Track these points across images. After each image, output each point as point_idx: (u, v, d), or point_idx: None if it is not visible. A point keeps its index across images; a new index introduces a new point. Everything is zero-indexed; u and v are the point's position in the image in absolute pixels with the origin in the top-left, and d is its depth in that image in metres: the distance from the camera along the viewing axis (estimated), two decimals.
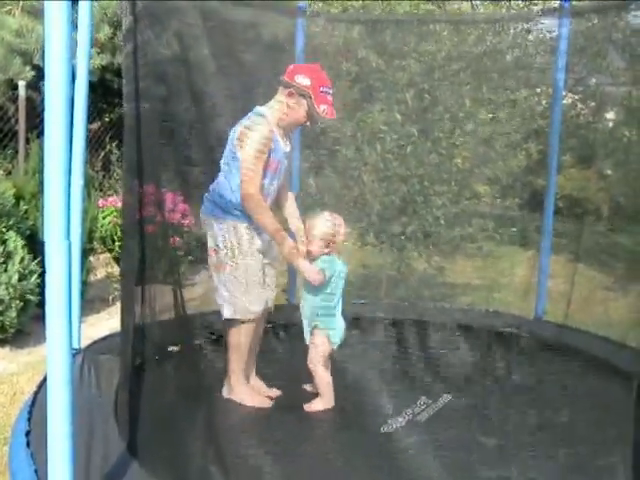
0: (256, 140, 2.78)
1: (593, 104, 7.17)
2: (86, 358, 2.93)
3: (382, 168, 4.65)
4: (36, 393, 2.58)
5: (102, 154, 7.41)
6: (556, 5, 4.34)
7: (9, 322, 4.11)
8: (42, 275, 4.15)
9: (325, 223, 2.89)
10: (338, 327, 2.93)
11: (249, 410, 2.90)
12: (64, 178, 1.61)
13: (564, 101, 4.69)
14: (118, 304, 4.14)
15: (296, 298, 3.03)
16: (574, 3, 4.12)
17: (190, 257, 5.09)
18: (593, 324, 3.94)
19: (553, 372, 3.27)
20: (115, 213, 5.68)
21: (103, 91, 6.89)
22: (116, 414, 2.47)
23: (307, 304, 2.94)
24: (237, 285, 2.87)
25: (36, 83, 6.19)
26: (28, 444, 2.18)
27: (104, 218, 5.71)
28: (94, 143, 7.22)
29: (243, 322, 2.91)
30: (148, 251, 2.51)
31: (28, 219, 4.56)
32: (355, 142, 4.71)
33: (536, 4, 7.65)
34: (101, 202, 5.79)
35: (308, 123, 2.99)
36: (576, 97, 7.07)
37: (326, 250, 2.88)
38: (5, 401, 3.42)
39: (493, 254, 5.22)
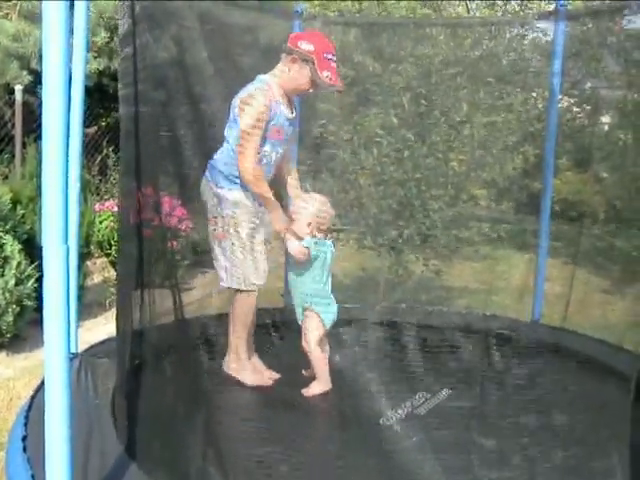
0: (254, 111, 2.79)
1: (589, 108, 7.20)
2: (83, 362, 2.92)
3: (379, 172, 4.66)
4: (33, 398, 2.57)
5: (99, 158, 7.40)
6: (552, 9, 4.36)
7: (6, 327, 4.10)
8: (39, 280, 4.15)
9: (315, 204, 2.92)
10: (329, 308, 2.94)
11: (247, 406, 2.90)
12: (62, 182, 1.60)
13: (560, 105, 4.70)
14: (115, 308, 4.15)
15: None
16: (569, 7, 4.14)
17: (187, 261, 5.09)
18: (590, 327, 3.95)
19: (550, 374, 3.27)
20: (112, 217, 5.68)
21: (100, 95, 6.88)
22: (113, 417, 2.47)
23: (296, 287, 2.96)
24: (237, 254, 2.87)
25: (33, 87, 6.18)
26: (25, 449, 2.18)
27: (101, 222, 5.70)
28: (91, 147, 7.21)
29: (242, 293, 2.91)
30: (145, 255, 2.51)
31: (25, 223, 4.55)
32: (352, 146, 4.71)
33: (531, 9, 7.68)
34: (98, 206, 5.79)
35: (311, 90, 2.98)
36: (572, 101, 7.09)
37: (314, 231, 2.89)
38: (1, 406, 3.41)
39: (490, 257, 5.23)
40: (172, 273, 2.63)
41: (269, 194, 2.85)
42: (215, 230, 2.92)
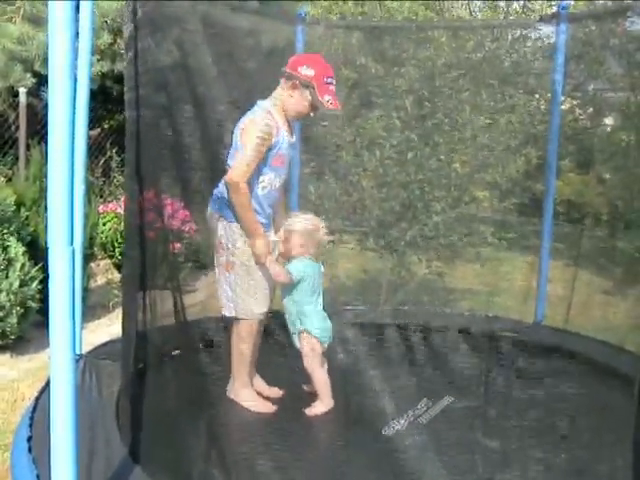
0: (257, 135, 2.76)
1: (591, 110, 7.21)
2: (87, 363, 2.94)
3: (381, 174, 4.67)
4: (37, 399, 2.59)
5: (102, 160, 7.43)
6: (554, 11, 4.37)
7: (10, 329, 4.11)
8: (43, 281, 4.16)
9: (303, 224, 2.91)
10: (324, 326, 2.95)
11: (251, 413, 2.91)
12: (67, 184, 1.62)
13: (562, 106, 4.70)
14: (118, 310, 4.16)
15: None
16: (572, 9, 4.15)
17: (190, 264, 5.10)
18: (592, 328, 3.95)
19: (553, 376, 3.28)
20: (115, 219, 5.70)
21: (103, 98, 6.92)
22: (118, 419, 2.48)
23: (289, 310, 2.96)
24: (243, 285, 2.87)
25: (37, 90, 6.21)
26: (30, 450, 2.19)
27: (104, 224, 5.72)
28: (94, 150, 7.24)
29: (246, 322, 2.91)
30: (149, 257, 2.52)
31: (29, 225, 4.57)
32: (354, 148, 4.72)
33: (533, 10, 7.69)
34: (101, 208, 5.80)
35: (312, 114, 2.98)
36: (574, 102, 7.10)
37: (303, 251, 2.89)
38: (6, 408, 3.43)
39: (493, 259, 5.23)
40: (176, 275, 2.65)
41: (254, 218, 2.81)
42: (221, 259, 2.91)
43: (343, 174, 4.78)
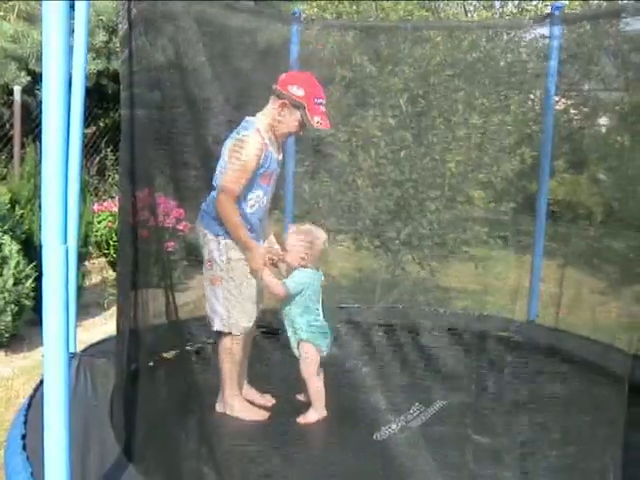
0: (246, 155, 2.75)
1: (586, 110, 7.23)
2: (81, 362, 2.94)
3: (376, 173, 4.68)
4: (31, 397, 2.59)
5: (97, 159, 7.42)
6: (548, 11, 4.38)
7: (4, 326, 4.11)
8: (37, 279, 4.16)
9: (303, 235, 2.92)
10: (323, 335, 2.95)
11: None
12: (61, 182, 1.62)
13: (557, 107, 4.72)
14: (113, 309, 4.16)
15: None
16: (566, 9, 4.16)
17: (185, 262, 5.10)
18: (584, 327, 3.97)
19: (545, 374, 3.30)
20: (110, 218, 5.69)
21: (98, 96, 6.90)
22: (112, 418, 2.49)
23: (288, 319, 2.96)
24: (230, 300, 2.86)
25: (31, 88, 6.20)
26: (24, 447, 2.19)
27: (99, 222, 5.72)
28: (89, 148, 7.23)
29: (234, 336, 2.91)
30: (144, 255, 2.52)
31: (23, 223, 4.56)
32: (349, 147, 4.73)
33: (529, 10, 7.71)
34: (96, 207, 5.80)
35: (301, 133, 2.99)
36: (569, 102, 7.12)
37: (305, 263, 2.89)
38: (0, 405, 3.43)
39: (486, 258, 5.25)
40: (170, 273, 2.65)
41: (245, 232, 2.80)
42: (209, 273, 2.91)
43: (338, 173, 4.79)
